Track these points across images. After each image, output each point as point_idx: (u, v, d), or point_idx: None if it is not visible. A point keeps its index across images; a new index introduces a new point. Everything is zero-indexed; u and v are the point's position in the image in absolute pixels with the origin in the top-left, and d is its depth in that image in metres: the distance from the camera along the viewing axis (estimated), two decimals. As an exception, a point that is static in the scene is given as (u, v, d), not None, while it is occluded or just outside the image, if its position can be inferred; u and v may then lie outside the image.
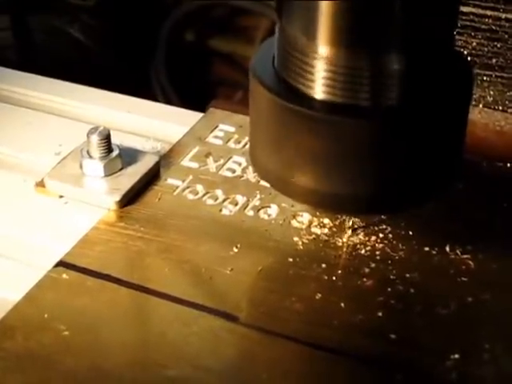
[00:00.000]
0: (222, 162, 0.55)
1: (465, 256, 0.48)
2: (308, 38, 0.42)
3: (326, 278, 0.46)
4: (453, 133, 0.45)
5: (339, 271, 0.47)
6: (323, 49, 0.41)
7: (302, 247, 0.48)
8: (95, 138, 0.52)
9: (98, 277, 0.46)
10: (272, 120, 0.44)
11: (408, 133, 0.42)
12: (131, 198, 0.52)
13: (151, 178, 0.53)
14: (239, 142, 0.57)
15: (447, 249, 0.48)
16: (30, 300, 0.45)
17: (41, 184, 0.53)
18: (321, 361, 0.42)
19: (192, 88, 1.03)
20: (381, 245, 0.48)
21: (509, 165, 0.56)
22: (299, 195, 0.45)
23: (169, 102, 0.99)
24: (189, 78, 1.04)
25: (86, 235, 0.49)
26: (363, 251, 0.48)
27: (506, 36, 0.57)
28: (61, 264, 0.47)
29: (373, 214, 0.49)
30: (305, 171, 0.43)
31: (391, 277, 0.46)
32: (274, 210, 0.51)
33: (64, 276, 0.46)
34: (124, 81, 0.95)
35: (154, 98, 0.99)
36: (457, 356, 0.42)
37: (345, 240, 0.48)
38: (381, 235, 0.49)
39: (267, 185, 0.51)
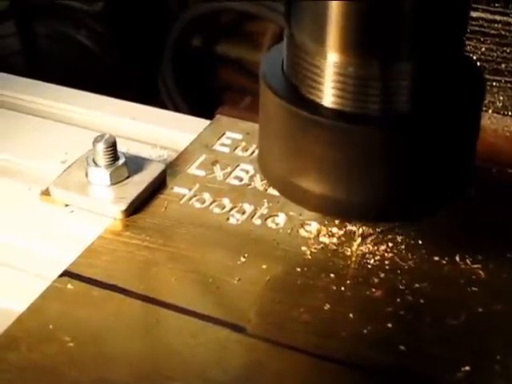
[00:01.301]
0: (229, 169, 0.55)
1: (475, 265, 0.47)
2: (318, 45, 0.41)
3: (334, 288, 0.46)
4: (464, 140, 0.44)
5: (348, 281, 0.46)
6: (333, 56, 0.41)
7: (310, 257, 0.48)
8: (101, 146, 0.51)
9: (103, 287, 0.46)
10: (281, 126, 0.44)
11: (418, 140, 0.42)
12: (137, 206, 0.51)
13: (157, 187, 0.53)
14: (247, 150, 0.57)
15: (457, 258, 0.47)
16: (34, 311, 0.45)
17: (46, 192, 0.53)
18: (329, 372, 0.42)
19: (199, 94, 1.03)
20: (390, 254, 0.48)
21: (519, 171, 0.55)
22: (308, 202, 0.45)
23: (176, 107, 0.99)
24: (196, 83, 1.03)
25: (91, 245, 0.49)
26: (372, 261, 0.47)
27: (516, 41, 0.57)
28: (66, 274, 0.47)
29: (382, 221, 0.49)
30: (314, 178, 0.43)
31: (400, 287, 0.46)
32: (281, 218, 0.51)
33: (69, 286, 0.46)
34: (131, 87, 0.94)
35: (162, 104, 0.99)
36: (467, 368, 0.41)
37: (353, 249, 0.48)
38: (390, 244, 0.48)
39: (275, 193, 0.50)
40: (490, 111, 0.60)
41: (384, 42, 0.40)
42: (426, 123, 0.41)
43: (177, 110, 0.96)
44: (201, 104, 0.98)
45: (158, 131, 0.60)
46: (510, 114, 0.59)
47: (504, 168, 0.56)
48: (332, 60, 0.41)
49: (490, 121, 0.60)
